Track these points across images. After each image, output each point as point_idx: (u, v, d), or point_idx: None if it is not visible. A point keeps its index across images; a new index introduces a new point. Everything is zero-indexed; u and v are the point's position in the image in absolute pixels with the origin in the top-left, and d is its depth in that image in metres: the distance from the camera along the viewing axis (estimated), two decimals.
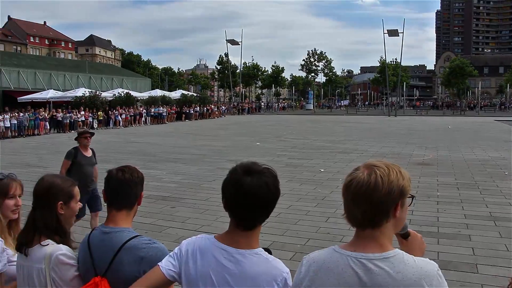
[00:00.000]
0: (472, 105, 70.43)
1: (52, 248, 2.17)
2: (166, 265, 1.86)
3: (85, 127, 6.15)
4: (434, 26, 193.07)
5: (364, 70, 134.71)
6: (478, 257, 6.00)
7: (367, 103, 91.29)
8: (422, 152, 17.33)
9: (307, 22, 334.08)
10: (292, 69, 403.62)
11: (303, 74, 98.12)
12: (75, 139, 6.82)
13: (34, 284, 2.19)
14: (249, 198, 1.75)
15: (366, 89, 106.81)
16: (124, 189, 2.17)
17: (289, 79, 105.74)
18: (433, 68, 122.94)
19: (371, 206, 1.49)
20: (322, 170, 13.35)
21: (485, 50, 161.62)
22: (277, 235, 6.80)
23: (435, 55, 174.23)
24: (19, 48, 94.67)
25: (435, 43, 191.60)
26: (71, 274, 2.17)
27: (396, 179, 1.51)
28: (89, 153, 6.77)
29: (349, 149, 18.33)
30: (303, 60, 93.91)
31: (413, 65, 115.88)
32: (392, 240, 1.60)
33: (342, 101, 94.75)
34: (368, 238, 1.54)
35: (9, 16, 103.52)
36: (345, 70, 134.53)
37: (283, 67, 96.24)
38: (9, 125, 27.27)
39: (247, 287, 1.74)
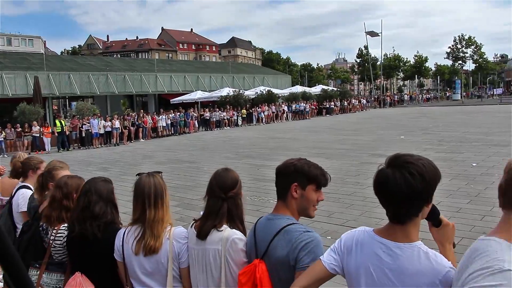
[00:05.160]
0: None
1: (228, 232, 2.43)
2: (328, 259, 1.91)
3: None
4: None
5: None
6: None
7: None
8: None
9: (450, 7, 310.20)
10: (437, 58, 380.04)
11: (449, 62, 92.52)
12: None
13: (209, 264, 2.45)
14: (390, 192, 1.69)
15: None
16: (276, 179, 2.33)
17: (433, 68, 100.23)
18: None
19: None
20: (474, 164, 12.46)
21: None
22: (426, 232, 6.49)
23: None
24: (170, 55, 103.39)
25: None
26: (241, 257, 2.40)
27: None
28: None
29: (505, 142, 16.70)
30: (449, 47, 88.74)
31: None
32: None
33: (494, 90, 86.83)
34: None
35: (162, 27, 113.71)
36: (498, 55, 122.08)
37: (426, 57, 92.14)
38: (165, 125, 29.86)
39: (407, 283, 1.68)
